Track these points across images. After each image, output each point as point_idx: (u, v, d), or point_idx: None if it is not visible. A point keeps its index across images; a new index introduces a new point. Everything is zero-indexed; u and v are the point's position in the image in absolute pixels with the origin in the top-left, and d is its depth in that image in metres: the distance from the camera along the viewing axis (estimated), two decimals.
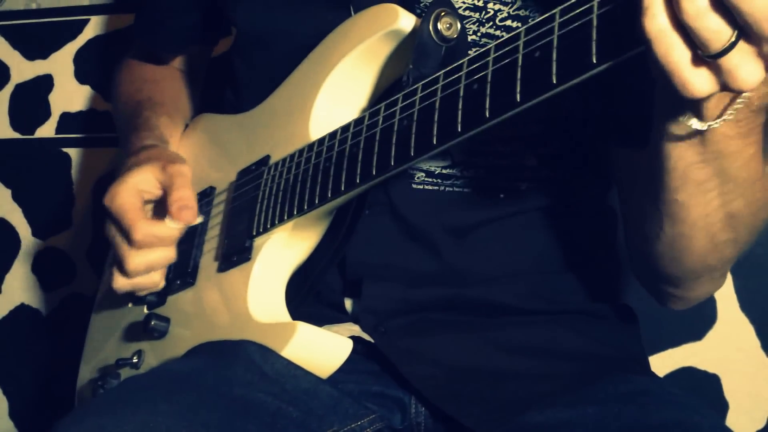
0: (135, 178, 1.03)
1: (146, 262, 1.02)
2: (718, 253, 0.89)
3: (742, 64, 0.60)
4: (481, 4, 0.94)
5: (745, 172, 0.79)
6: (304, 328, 0.90)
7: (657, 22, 0.61)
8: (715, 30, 0.59)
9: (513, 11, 0.94)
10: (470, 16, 0.94)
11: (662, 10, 0.60)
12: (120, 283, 1.04)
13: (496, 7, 0.94)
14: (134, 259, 1.01)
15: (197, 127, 1.22)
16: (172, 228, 1.02)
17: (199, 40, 1.32)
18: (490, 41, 0.93)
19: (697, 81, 0.62)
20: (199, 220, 1.05)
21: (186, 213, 1.01)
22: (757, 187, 0.83)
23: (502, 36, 0.93)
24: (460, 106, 0.77)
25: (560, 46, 0.68)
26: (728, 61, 0.60)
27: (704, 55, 0.60)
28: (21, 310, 1.79)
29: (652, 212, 0.87)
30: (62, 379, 1.70)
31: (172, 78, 1.35)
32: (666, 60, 0.62)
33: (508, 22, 0.94)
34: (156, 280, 1.05)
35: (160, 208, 1.05)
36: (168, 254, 1.03)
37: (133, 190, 1.03)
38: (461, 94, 0.78)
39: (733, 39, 0.59)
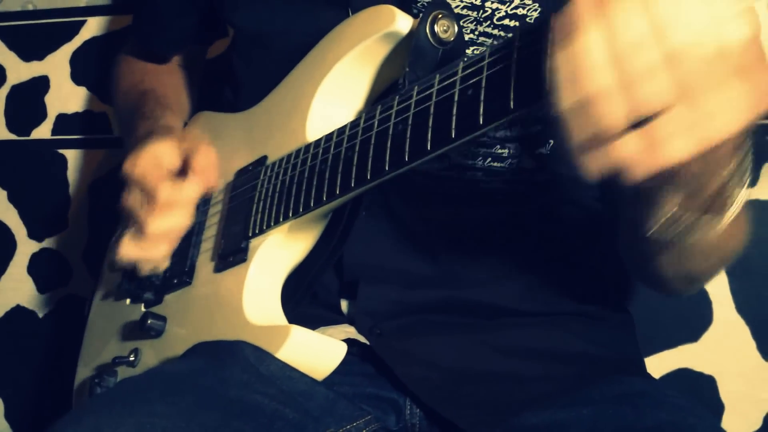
0: (155, 147, 1.03)
1: (165, 226, 1.01)
2: (704, 282, 0.93)
3: (671, 135, 0.55)
4: (478, 2, 0.93)
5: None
6: (297, 331, 0.90)
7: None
8: (654, 91, 0.54)
9: (511, 10, 0.94)
10: (468, 15, 0.94)
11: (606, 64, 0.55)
12: (130, 250, 1.03)
13: (494, 5, 0.93)
14: (154, 221, 1.01)
15: (196, 125, 1.22)
16: (193, 190, 1.02)
17: (196, 40, 1.33)
18: (487, 40, 0.93)
19: (625, 144, 0.56)
20: (220, 185, 1.06)
21: (209, 174, 1.02)
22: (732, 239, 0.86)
23: (500, 35, 0.93)
24: (455, 112, 0.76)
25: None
26: (657, 128, 0.55)
27: (637, 116, 0.56)
28: (16, 311, 1.79)
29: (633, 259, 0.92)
30: (58, 381, 1.70)
31: (172, 73, 1.35)
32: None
33: (506, 21, 0.94)
34: (163, 251, 1.04)
35: (179, 179, 1.05)
36: (185, 220, 1.03)
37: (154, 157, 1.03)
38: (456, 99, 0.77)
39: (668, 102, 0.55)
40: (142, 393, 0.84)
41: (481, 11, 0.93)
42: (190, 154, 1.04)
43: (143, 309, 1.11)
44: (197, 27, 1.28)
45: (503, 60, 0.72)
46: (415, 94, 0.81)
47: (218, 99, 1.24)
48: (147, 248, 1.03)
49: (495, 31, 0.94)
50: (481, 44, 0.93)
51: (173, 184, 1.02)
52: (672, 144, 0.55)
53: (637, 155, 0.56)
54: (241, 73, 1.15)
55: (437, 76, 0.79)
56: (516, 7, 0.94)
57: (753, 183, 1.30)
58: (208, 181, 1.03)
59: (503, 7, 0.94)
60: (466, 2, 0.93)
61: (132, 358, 1.07)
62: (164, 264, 1.06)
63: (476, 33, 0.94)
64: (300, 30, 1.03)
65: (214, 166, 1.04)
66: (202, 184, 1.03)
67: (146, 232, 1.01)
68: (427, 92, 0.79)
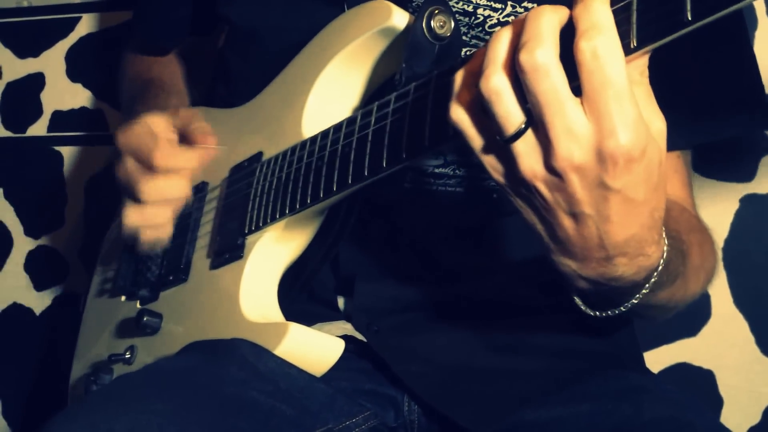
0: (150, 119, 1.02)
1: (161, 188, 1.00)
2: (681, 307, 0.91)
3: (525, 153, 0.63)
4: (471, 9, 0.93)
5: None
6: (296, 328, 0.90)
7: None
8: (506, 114, 0.62)
9: (503, 18, 0.93)
10: (459, 20, 0.93)
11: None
12: (132, 216, 1.01)
13: (486, 12, 0.93)
14: (149, 183, 0.99)
15: None
16: (191, 157, 1.00)
17: (194, 31, 1.32)
18: (480, 43, 0.93)
19: (492, 164, 0.67)
20: (221, 148, 1.04)
21: (208, 137, 1.01)
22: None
23: None
24: None
25: None
26: (516, 148, 0.64)
27: (499, 139, 0.64)
28: (13, 309, 1.79)
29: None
30: (55, 378, 1.70)
31: (176, 65, 1.35)
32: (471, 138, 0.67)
33: (498, 29, 0.93)
34: (165, 217, 1.01)
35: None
36: (182, 185, 1.01)
37: (148, 126, 1.01)
38: None
39: (522, 126, 0.62)
40: (138, 390, 0.84)
41: (473, 17, 0.93)
42: (186, 127, 1.02)
43: (138, 306, 1.11)
44: (193, 18, 1.27)
45: None
46: (412, 91, 0.80)
47: (211, 95, 1.24)
48: (148, 214, 1.01)
49: (486, 38, 0.93)
50: (474, 46, 0.93)
51: (171, 149, 0.99)
52: None
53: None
54: (235, 68, 1.15)
55: (435, 72, 0.78)
56: (508, 15, 0.93)
57: (751, 177, 1.31)
58: (208, 141, 1.01)
59: (495, 15, 0.93)
60: (459, 8, 0.93)
61: (128, 356, 1.07)
62: (167, 232, 1.03)
63: (468, 36, 0.94)
64: (295, 26, 1.02)
65: (211, 136, 1.02)
66: (200, 153, 1.01)
67: (144, 197, 0.99)
68: (425, 90, 0.79)
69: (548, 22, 0.61)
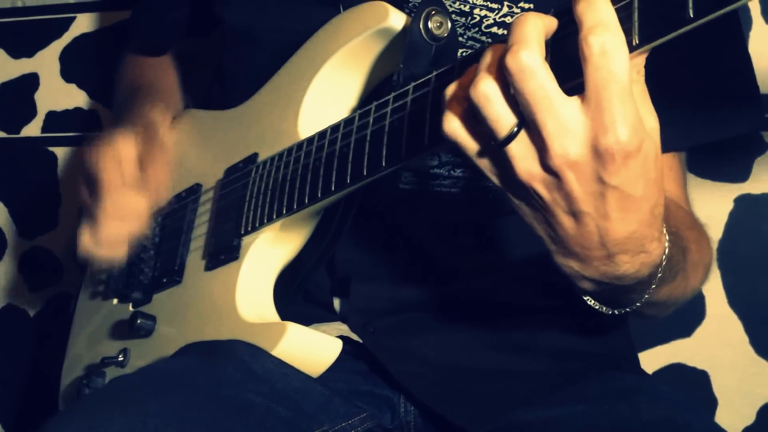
0: (116, 143, 1.03)
1: (121, 233, 1.03)
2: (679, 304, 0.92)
3: (520, 156, 0.64)
4: (467, 9, 0.93)
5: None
6: (294, 328, 0.89)
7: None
8: (497, 117, 0.63)
9: (499, 18, 0.93)
10: (456, 20, 0.93)
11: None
12: (88, 246, 1.04)
13: (482, 13, 0.93)
14: (110, 227, 1.02)
15: (184, 123, 1.21)
16: (143, 203, 1.02)
17: (191, 31, 1.32)
18: (476, 44, 0.93)
19: (489, 169, 0.68)
20: (210, 183, 1.06)
21: (159, 172, 1.03)
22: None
23: (489, 42, 0.92)
24: None
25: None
26: (510, 151, 0.64)
27: (494, 144, 0.64)
28: (7, 310, 1.78)
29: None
30: (49, 380, 1.69)
31: (172, 69, 1.35)
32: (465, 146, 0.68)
33: (494, 29, 0.93)
34: (120, 254, 1.05)
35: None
36: (141, 229, 1.04)
37: (113, 151, 1.03)
38: None
39: (515, 129, 0.63)
40: (134, 391, 0.84)
41: (470, 18, 0.93)
42: (147, 162, 1.03)
43: (131, 309, 1.10)
44: (190, 18, 1.28)
45: None
46: (411, 90, 0.80)
47: (206, 97, 1.24)
48: (105, 250, 1.04)
49: (483, 38, 0.94)
50: (471, 47, 0.93)
51: (124, 193, 1.02)
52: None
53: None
54: (230, 69, 1.14)
55: (434, 71, 0.79)
56: (504, 16, 0.93)
57: (745, 178, 1.32)
58: (158, 195, 1.03)
59: (492, 15, 0.93)
60: (455, 8, 0.93)
61: (121, 359, 1.07)
62: (122, 252, 1.06)
63: (465, 37, 0.94)
64: (290, 26, 1.02)
65: (165, 180, 1.04)
66: (152, 198, 1.03)
67: (102, 237, 1.02)
68: (424, 90, 0.79)
69: (533, 26, 0.62)
